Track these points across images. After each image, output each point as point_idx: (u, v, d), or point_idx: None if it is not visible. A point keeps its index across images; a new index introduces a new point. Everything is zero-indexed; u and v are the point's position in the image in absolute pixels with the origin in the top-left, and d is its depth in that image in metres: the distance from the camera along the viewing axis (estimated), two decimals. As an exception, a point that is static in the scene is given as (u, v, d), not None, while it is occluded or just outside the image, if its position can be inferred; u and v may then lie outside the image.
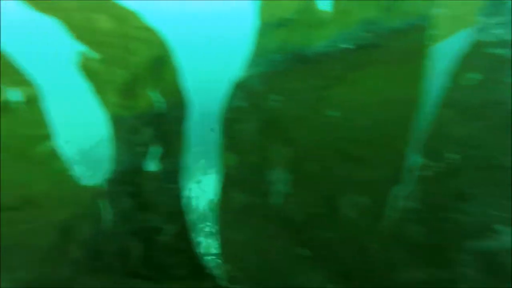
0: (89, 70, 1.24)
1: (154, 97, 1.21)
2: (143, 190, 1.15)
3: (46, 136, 1.19)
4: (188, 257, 1.08)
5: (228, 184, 1.18)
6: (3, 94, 1.13)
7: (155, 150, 1.20)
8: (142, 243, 1.11)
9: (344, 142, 0.89)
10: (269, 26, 1.27)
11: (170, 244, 1.08)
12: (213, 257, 1.16)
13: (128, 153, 1.26)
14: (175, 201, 1.11)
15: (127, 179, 1.22)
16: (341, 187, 0.91)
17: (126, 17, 1.08)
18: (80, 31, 1.09)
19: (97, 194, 1.29)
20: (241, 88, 1.21)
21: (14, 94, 1.15)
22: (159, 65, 1.15)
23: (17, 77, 1.12)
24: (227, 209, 1.15)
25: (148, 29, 1.12)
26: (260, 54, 1.27)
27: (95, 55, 1.19)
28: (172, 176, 1.13)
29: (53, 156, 1.21)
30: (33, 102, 1.17)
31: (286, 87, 1.05)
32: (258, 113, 1.12)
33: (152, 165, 1.17)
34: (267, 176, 1.10)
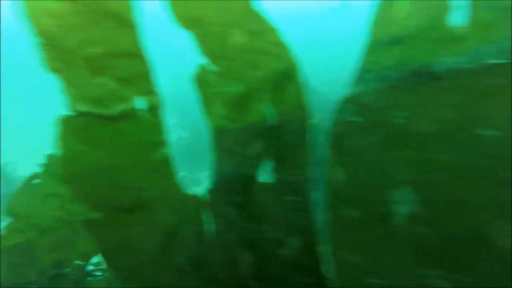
0: (203, 82, 1.31)
1: (268, 111, 1.23)
2: (255, 201, 1.15)
3: (162, 143, 1.26)
4: (310, 273, 1.03)
5: (337, 200, 1.14)
6: (131, 103, 1.23)
7: (269, 162, 1.20)
8: (254, 255, 1.09)
9: (500, 162, 0.82)
10: (381, 44, 1.27)
11: (291, 258, 1.04)
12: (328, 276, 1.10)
13: (234, 164, 1.28)
14: (298, 214, 1.09)
15: (233, 189, 1.23)
16: (495, 213, 0.83)
17: (263, 32, 1.13)
18: (210, 45, 1.17)
19: (199, 203, 1.31)
20: (353, 102, 1.19)
21: (140, 102, 1.24)
22: (282, 79, 1.18)
23: (147, 87, 1.21)
24: (338, 228, 1.10)
25: (280, 44, 1.16)
26: (370, 70, 1.26)
27: (214, 67, 1.26)
28: (293, 188, 1.12)
29: (166, 162, 1.26)
30: (154, 109, 1.25)
31: (414, 103, 1.02)
32: (377, 129, 1.09)
33: (265, 177, 1.18)
34: (388, 195, 1.04)
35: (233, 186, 1.22)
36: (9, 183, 5.45)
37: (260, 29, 1.13)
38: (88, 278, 2.07)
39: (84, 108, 1.17)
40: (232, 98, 1.28)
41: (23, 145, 8.00)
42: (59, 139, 1.14)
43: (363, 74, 1.25)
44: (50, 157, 2.05)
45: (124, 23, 1.07)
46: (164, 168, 1.25)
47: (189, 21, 1.13)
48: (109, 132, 1.20)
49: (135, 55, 1.13)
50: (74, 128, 1.16)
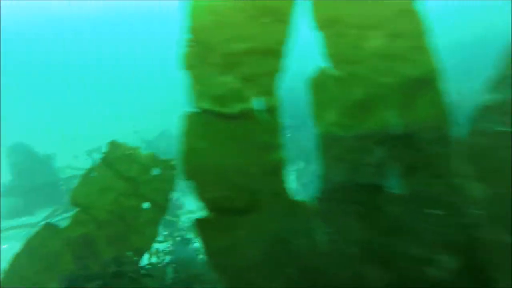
0: (320, 85, 1.26)
1: (393, 119, 1.16)
2: (384, 212, 1.07)
3: (278, 146, 1.22)
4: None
5: (486, 221, 1.02)
6: (250, 102, 1.20)
7: (397, 171, 1.12)
8: (389, 271, 1.00)
9: None
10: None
11: (443, 279, 0.95)
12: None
13: (349, 172, 1.21)
14: (448, 230, 0.99)
15: (350, 198, 1.16)
16: None
17: (406, 35, 1.05)
18: (341, 48, 1.12)
19: (309, 210, 1.25)
20: (497, 111, 1.08)
21: (258, 103, 1.21)
22: (417, 86, 1.10)
23: (269, 87, 1.18)
24: (490, 253, 0.98)
25: (422, 49, 1.07)
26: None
27: (335, 72, 1.21)
28: (435, 201, 1.03)
29: (280, 166, 1.22)
30: (272, 110, 1.22)
31: None
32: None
33: (394, 187, 1.09)
34: None
35: (351, 195, 1.15)
36: (50, 173, 5.61)
37: (404, 31, 1.05)
38: (145, 279, 2.05)
39: (207, 105, 1.16)
40: (350, 105, 1.22)
41: (63, 137, 8.30)
42: (183, 135, 1.13)
43: (507, 80, 1.13)
44: (110, 147, 2.04)
45: (280, 18, 1.04)
46: (278, 171, 1.21)
47: (326, 22, 1.08)
48: (228, 130, 1.18)
49: (275, 53, 1.10)
50: (196, 124, 1.15)
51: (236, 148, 1.18)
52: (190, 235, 2.67)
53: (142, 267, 2.07)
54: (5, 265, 3.53)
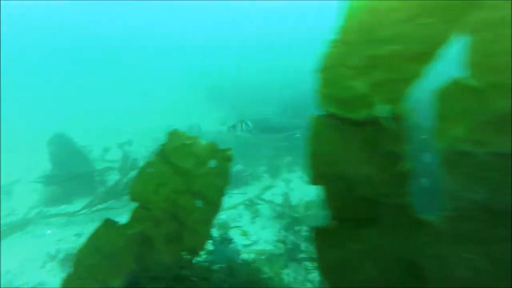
0: (449, 97, 1.15)
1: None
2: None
3: (404, 156, 1.12)
4: None
5: None
6: (375, 109, 1.11)
7: None
8: None
9: None
10: None
11: None
12: None
13: (490, 192, 1.08)
14: None
15: (500, 222, 1.02)
16: None
17: None
18: (491, 54, 1.01)
19: (438, 229, 1.13)
20: None
21: (383, 110, 1.12)
22: None
23: (397, 95, 1.09)
24: None
25: None
26: None
27: (473, 82, 1.10)
28: None
29: (406, 178, 1.12)
30: (399, 119, 1.12)
31: None
32: None
33: None
34: None
35: (501, 218, 1.00)
36: (86, 164, 5.71)
37: None
38: (203, 282, 1.99)
39: (333, 109, 1.08)
40: (487, 119, 1.10)
41: (97, 129, 8.50)
42: (310, 137, 1.05)
43: None
44: (170, 136, 1.96)
45: (446, 19, 0.94)
46: (403, 183, 1.10)
47: (483, 24, 0.98)
48: (353, 136, 1.10)
49: (424, 57, 1.01)
50: (323, 128, 1.08)
51: (361, 155, 1.09)
52: (228, 234, 2.60)
53: (198, 269, 2.01)
54: (50, 249, 3.58)
